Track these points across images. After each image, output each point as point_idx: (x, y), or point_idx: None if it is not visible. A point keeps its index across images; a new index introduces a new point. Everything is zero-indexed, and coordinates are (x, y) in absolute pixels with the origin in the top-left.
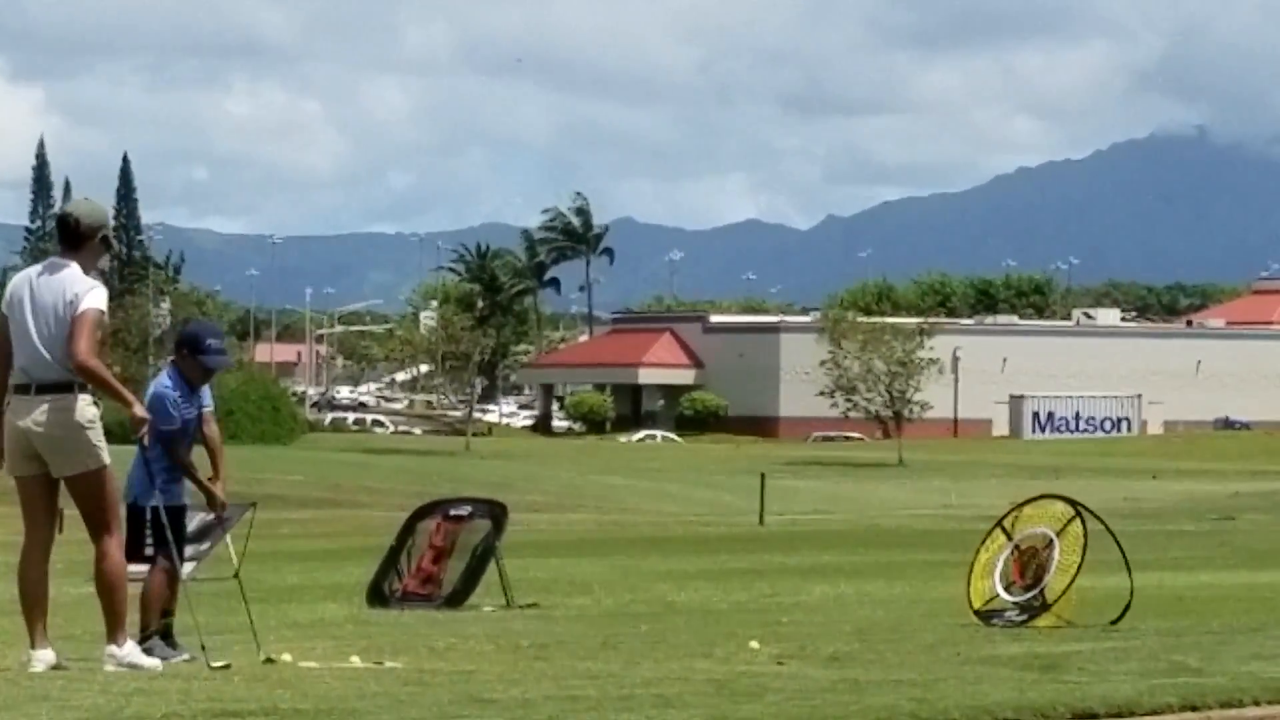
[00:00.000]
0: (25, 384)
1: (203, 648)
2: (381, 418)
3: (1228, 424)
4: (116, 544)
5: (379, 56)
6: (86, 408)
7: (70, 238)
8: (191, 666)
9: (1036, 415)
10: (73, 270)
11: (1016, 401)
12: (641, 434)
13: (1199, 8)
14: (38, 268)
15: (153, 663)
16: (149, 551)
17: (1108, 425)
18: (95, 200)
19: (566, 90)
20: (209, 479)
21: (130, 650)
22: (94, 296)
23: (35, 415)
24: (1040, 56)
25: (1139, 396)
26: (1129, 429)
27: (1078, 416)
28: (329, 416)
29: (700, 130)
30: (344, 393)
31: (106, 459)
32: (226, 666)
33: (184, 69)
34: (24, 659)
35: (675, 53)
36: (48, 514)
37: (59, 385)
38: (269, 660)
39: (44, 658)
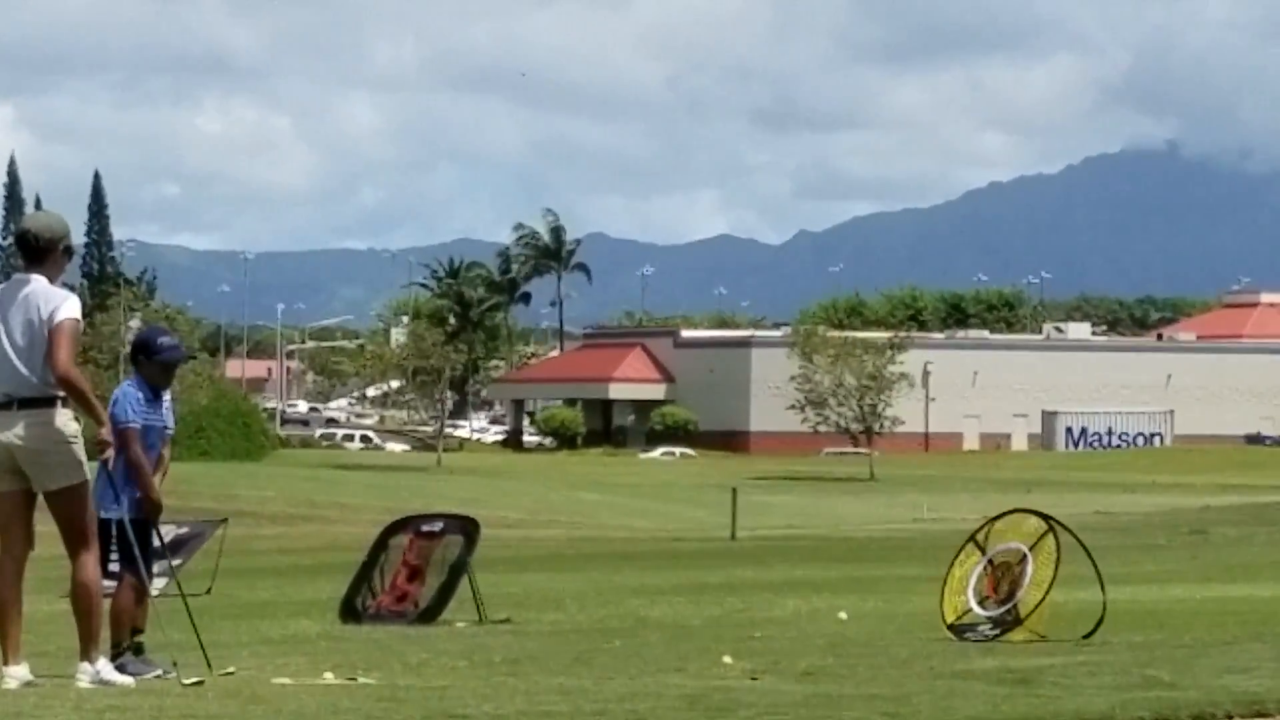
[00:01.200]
0: (5, 401)
1: (174, 664)
2: (370, 434)
3: (1258, 439)
4: (94, 560)
5: (349, 73)
6: (68, 422)
7: (31, 252)
8: (164, 683)
9: (1070, 430)
10: (40, 283)
11: (1050, 417)
12: (660, 450)
13: (1166, 22)
14: (6, 284)
15: (125, 680)
16: (113, 567)
17: (1140, 440)
18: (53, 211)
19: (536, 106)
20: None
21: (104, 667)
22: (69, 307)
23: (16, 430)
24: (1010, 71)
25: (1171, 413)
26: (1161, 443)
27: (1110, 432)
28: (316, 431)
29: (671, 146)
30: (301, 407)
31: (87, 474)
32: (199, 683)
33: (154, 86)
34: None
35: (645, 68)
36: (23, 530)
37: (39, 400)
38: (227, 674)
39: (17, 674)
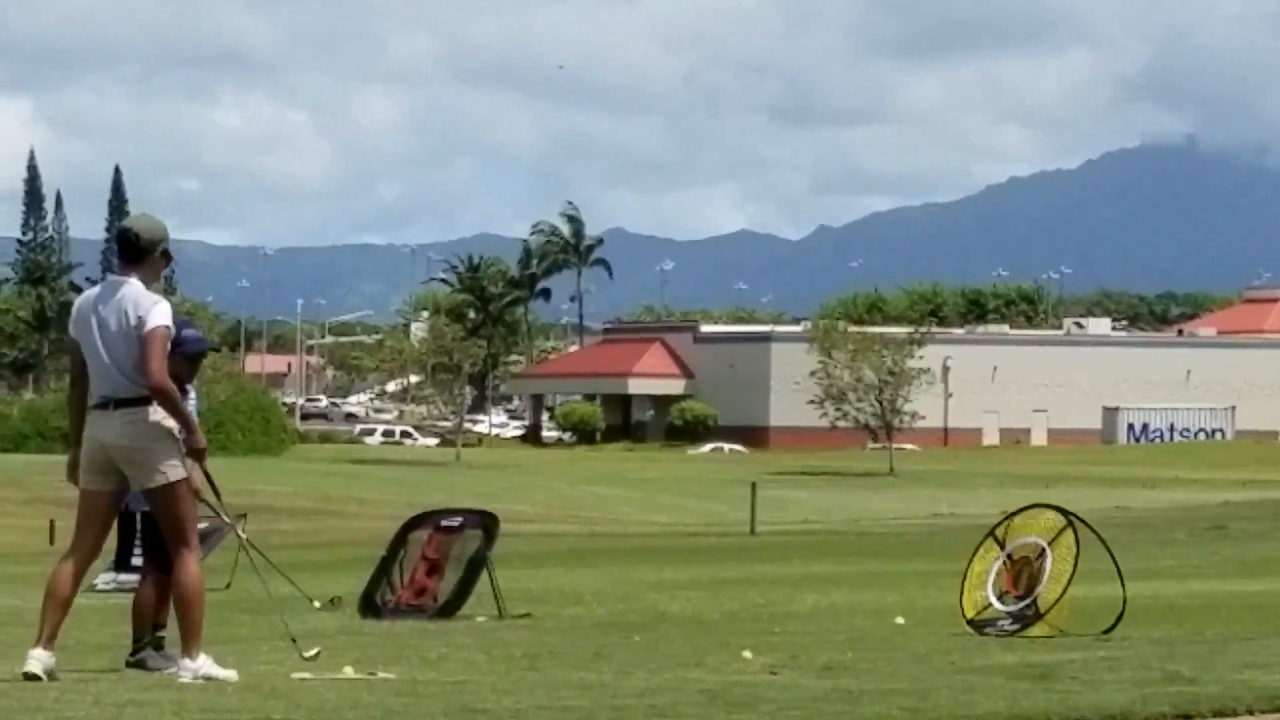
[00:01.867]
0: (103, 401)
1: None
2: (410, 428)
3: None
4: (194, 558)
5: (366, 67)
6: (163, 421)
7: (131, 252)
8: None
9: (1131, 426)
10: (134, 286)
11: (1110, 413)
12: (709, 446)
13: (1183, 17)
14: (99, 288)
15: (228, 674)
16: (137, 561)
17: (1202, 436)
18: (153, 215)
19: (554, 101)
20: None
21: (204, 663)
22: (158, 313)
23: (113, 428)
24: (1028, 66)
25: (1233, 408)
26: (1223, 438)
27: (1172, 428)
28: (355, 427)
29: (689, 140)
30: (322, 402)
31: (184, 473)
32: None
33: (171, 80)
34: (20, 671)
35: (662, 63)
36: (100, 531)
37: (134, 400)
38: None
39: (40, 656)
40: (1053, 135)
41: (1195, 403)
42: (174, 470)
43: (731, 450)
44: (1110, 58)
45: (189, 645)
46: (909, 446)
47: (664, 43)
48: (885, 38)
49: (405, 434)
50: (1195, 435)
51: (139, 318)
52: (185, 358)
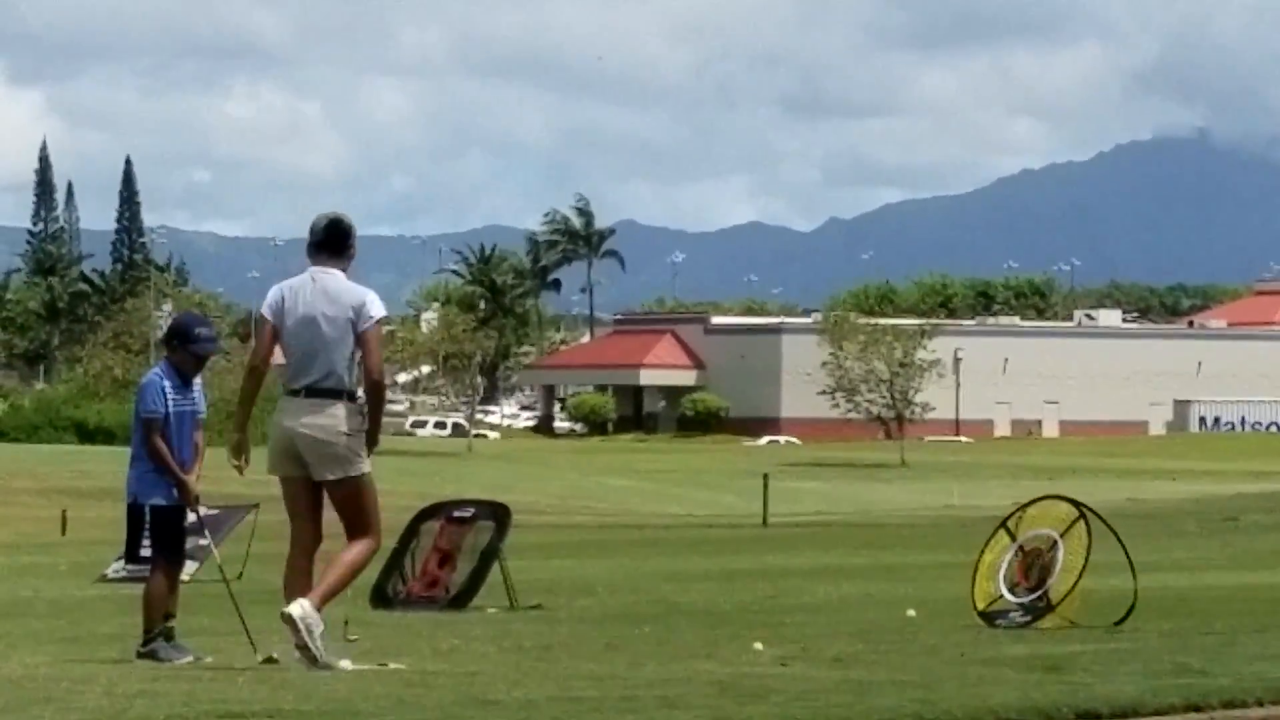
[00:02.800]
0: (295, 388)
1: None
2: (462, 420)
3: None
4: (369, 544)
5: (377, 59)
6: (352, 416)
7: (340, 244)
8: (195, 669)
9: (1203, 420)
10: (343, 278)
11: (1182, 406)
12: (766, 439)
13: (1195, 9)
14: (305, 276)
15: (324, 643)
16: (145, 552)
17: (1274, 429)
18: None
19: (565, 93)
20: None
21: (315, 620)
22: (378, 308)
23: (302, 418)
24: (1040, 58)
25: None
26: None
27: (1243, 421)
28: (409, 420)
29: (700, 132)
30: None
31: (367, 467)
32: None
33: (182, 72)
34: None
35: (673, 55)
36: (310, 514)
37: (328, 391)
38: (269, 660)
39: (304, 606)
40: (1065, 128)
41: (1268, 395)
42: (355, 465)
43: (788, 441)
44: (1122, 50)
45: (317, 595)
46: (945, 437)
47: (675, 34)
48: (897, 30)
49: (457, 426)
50: (1267, 428)
51: (356, 311)
52: (194, 356)
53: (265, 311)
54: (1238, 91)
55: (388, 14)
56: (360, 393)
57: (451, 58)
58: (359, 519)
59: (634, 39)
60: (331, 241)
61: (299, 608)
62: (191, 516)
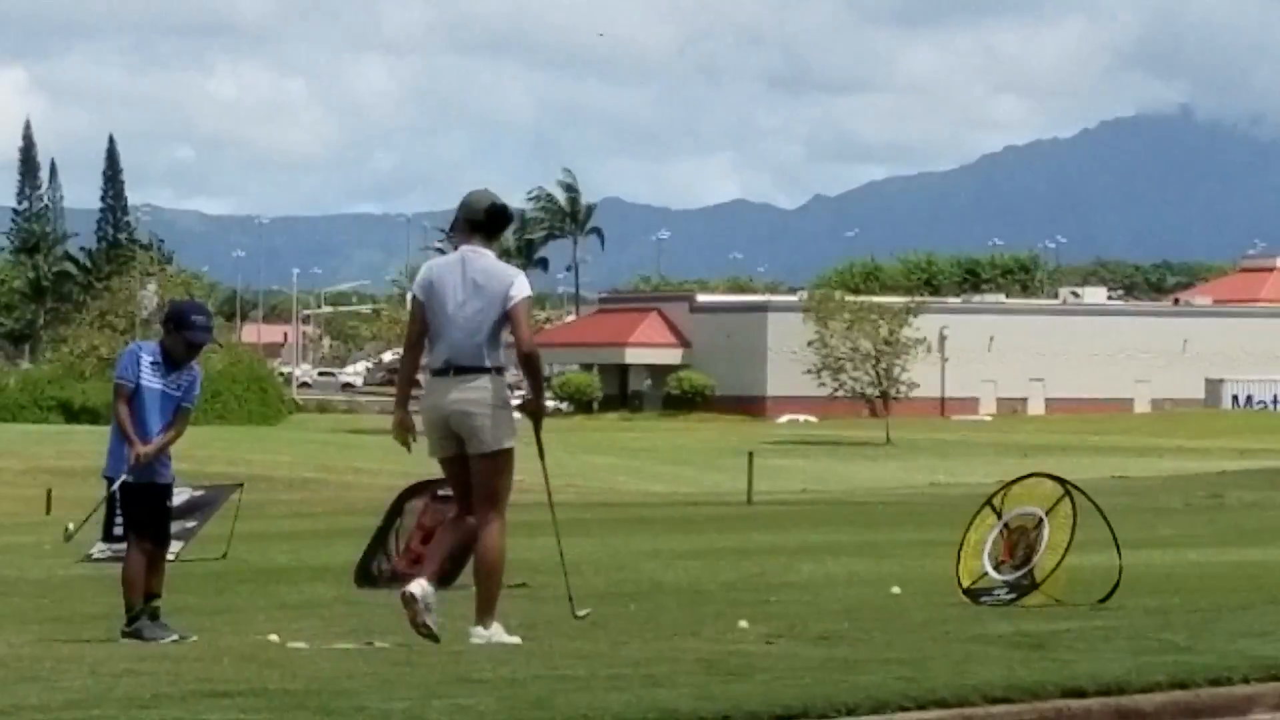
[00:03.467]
0: (444, 368)
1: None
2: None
3: None
4: (500, 525)
5: (361, 36)
6: (502, 390)
7: (497, 228)
8: (180, 647)
9: (1235, 398)
10: (493, 258)
11: (1214, 385)
12: (786, 418)
13: None
14: (457, 256)
15: (514, 639)
16: (118, 531)
17: None
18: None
19: (549, 69)
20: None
21: (495, 631)
22: (523, 284)
23: (454, 395)
24: (1024, 35)
25: None
26: None
27: (1276, 399)
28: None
29: (685, 110)
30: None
31: (511, 443)
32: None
33: (167, 50)
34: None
35: (657, 32)
36: (469, 491)
37: (480, 369)
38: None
39: (481, 634)
40: (1048, 104)
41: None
42: (509, 439)
43: (805, 420)
44: (1105, 27)
45: (483, 613)
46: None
47: (659, 11)
48: (881, 6)
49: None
50: None
51: (505, 289)
52: (186, 342)
53: (416, 291)
54: (1220, 68)
55: None
56: (507, 369)
57: (436, 35)
58: (493, 493)
59: (618, 16)
60: (491, 224)
61: (419, 587)
62: (179, 497)
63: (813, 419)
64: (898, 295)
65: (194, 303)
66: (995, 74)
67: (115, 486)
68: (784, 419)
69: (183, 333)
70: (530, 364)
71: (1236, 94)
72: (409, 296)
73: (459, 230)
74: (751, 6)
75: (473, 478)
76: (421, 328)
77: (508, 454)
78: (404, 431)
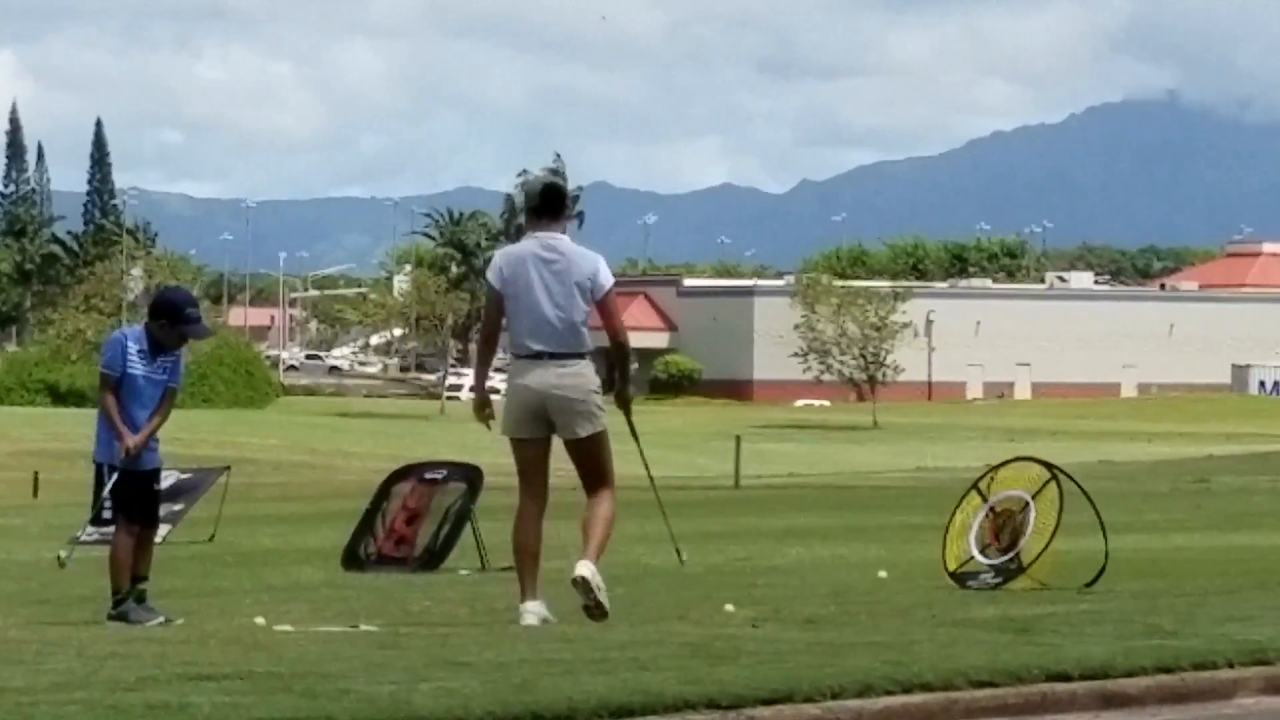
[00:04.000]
0: (537, 353)
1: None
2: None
3: None
4: (611, 495)
5: (349, 20)
6: (594, 375)
7: (558, 207)
8: (166, 630)
9: (1263, 384)
10: (571, 243)
11: (1241, 371)
12: (801, 402)
13: None
14: (533, 244)
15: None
16: (107, 514)
17: None
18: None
19: (537, 53)
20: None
21: (595, 572)
22: (607, 271)
23: (551, 379)
24: (1010, 19)
25: None
26: None
27: None
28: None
29: (672, 94)
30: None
31: (605, 423)
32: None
33: (154, 32)
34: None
35: (645, 16)
36: (543, 476)
37: (569, 354)
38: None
39: (535, 610)
40: (1036, 89)
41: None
42: (601, 420)
43: (820, 405)
44: (1092, 11)
45: (594, 558)
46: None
47: None
48: None
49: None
50: None
51: (591, 277)
52: (179, 336)
53: (493, 279)
54: (1207, 53)
55: None
56: (593, 352)
57: (423, 18)
58: (603, 471)
59: (606, 0)
60: (548, 205)
61: (585, 568)
62: (167, 480)
63: (827, 403)
64: (884, 280)
65: (184, 293)
66: (983, 59)
67: (113, 476)
68: (801, 403)
69: (179, 328)
70: (623, 352)
71: (1224, 79)
72: (484, 286)
73: (527, 219)
74: None
75: (578, 459)
76: (499, 315)
77: (604, 434)
78: (481, 411)
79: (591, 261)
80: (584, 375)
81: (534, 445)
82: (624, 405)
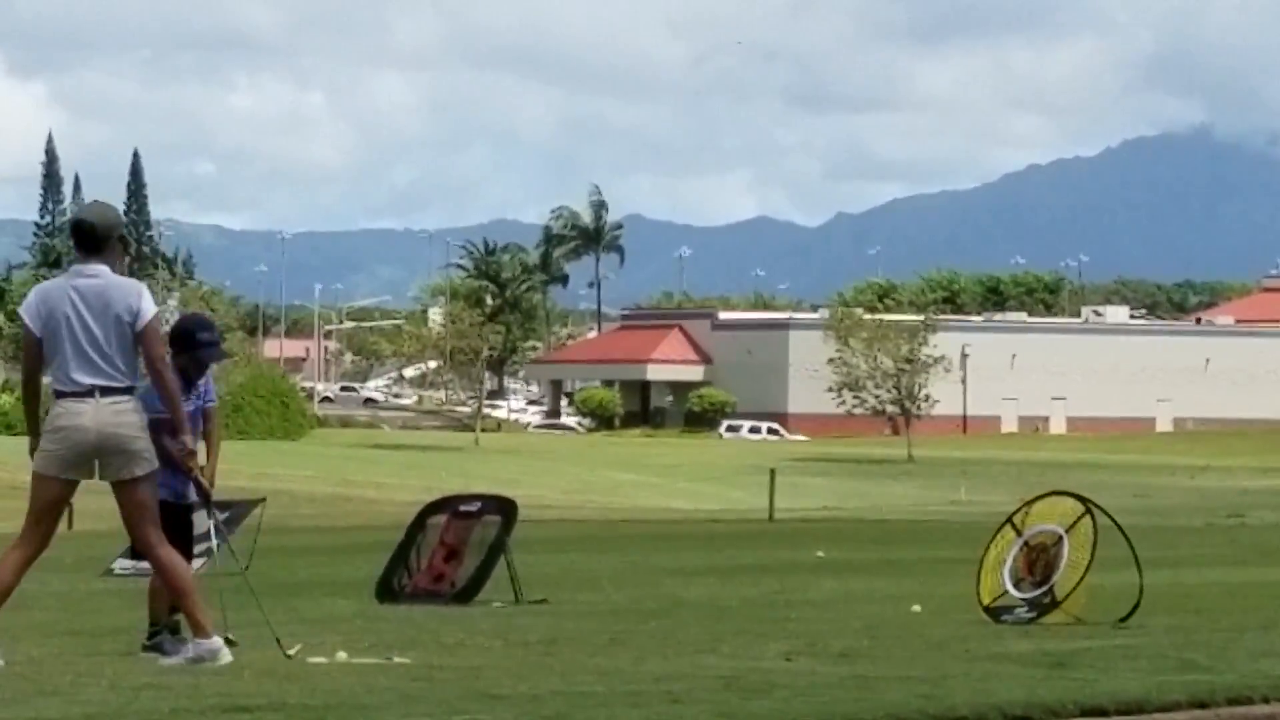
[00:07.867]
0: (87, 389)
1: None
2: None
3: None
4: (168, 549)
5: (380, 50)
6: (139, 413)
7: (90, 242)
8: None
9: None
10: (111, 275)
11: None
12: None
13: (1189, 2)
14: (66, 278)
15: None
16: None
17: None
18: (105, 201)
19: (568, 86)
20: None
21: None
22: (150, 301)
23: (103, 417)
24: (1039, 52)
25: None
26: None
27: None
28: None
29: (705, 126)
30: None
31: (156, 464)
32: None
33: (185, 63)
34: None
35: (676, 48)
36: (55, 523)
37: (120, 389)
38: (290, 656)
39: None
40: (1071, 123)
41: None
42: (150, 461)
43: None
44: (1121, 44)
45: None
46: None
47: (677, 27)
48: (897, 23)
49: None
50: None
51: (129, 308)
52: (196, 361)
53: (27, 319)
54: (1236, 88)
55: (390, 4)
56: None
57: (454, 49)
58: (156, 516)
59: (634, 31)
60: (80, 240)
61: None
62: (202, 513)
63: (803, 437)
64: (913, 313)
65: (198, 318)
66: (1018, 92)
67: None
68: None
69: (194, 353)
70: (162, 381)
71: (1254, 114)
72: (21, 322)
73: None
74: (768, 23)
75: (130, 501)
76: (39, 355)
77: (150, 477)
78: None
79: (135, 293)
80: (137, 413)
81: (66, 487)
82: (183, 457)
